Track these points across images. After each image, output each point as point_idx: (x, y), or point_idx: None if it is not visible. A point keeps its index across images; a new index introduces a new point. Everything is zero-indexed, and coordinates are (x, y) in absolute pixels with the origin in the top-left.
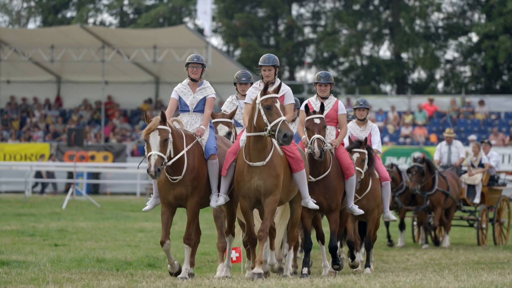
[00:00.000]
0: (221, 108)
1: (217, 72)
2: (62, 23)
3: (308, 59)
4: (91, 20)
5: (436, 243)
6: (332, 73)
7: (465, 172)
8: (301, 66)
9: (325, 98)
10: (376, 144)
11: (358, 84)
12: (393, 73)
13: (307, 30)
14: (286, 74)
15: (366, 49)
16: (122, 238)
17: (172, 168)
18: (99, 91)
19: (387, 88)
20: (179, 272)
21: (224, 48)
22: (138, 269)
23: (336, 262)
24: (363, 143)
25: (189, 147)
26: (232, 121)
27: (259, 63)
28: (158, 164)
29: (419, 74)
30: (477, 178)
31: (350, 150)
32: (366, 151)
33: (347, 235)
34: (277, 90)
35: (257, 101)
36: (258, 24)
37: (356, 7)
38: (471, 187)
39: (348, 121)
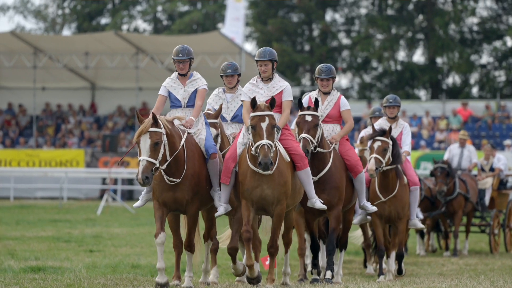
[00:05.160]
0: (207, 102)
1: (251, 78)
2: (96, 30)
3: (342, 65)
4: (125, 27)
5: (454, 252)
6: (366, 78)
7: (475, 176)
8: (336, 72)
9: (327, 93)
10: (407, 145)
11: (392, 89)
12: (427, 78)
13: (341, 35)
14: None
15: (400, 54)
16: None
17: (170, 170)
18: (133, 98)
19: (421, 93)
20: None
21: None
22: (172, 274)
23: (329, 267)
24: (387, 132)
25: (183, 139)
26: (219, 120)
27: (255, 58)
28: (147, 171)
29: (453, 79)
30: (488, 182)
31: (372, 138)
32: (390, 141)
33: (377, 242)
34: (269, 107)
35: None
36: (292, 29)
37: (390, 12)
38: (481, 192)
39: (379, 117)
